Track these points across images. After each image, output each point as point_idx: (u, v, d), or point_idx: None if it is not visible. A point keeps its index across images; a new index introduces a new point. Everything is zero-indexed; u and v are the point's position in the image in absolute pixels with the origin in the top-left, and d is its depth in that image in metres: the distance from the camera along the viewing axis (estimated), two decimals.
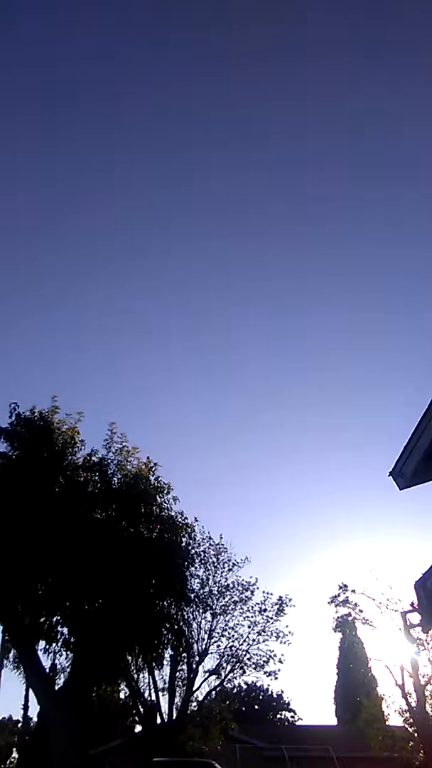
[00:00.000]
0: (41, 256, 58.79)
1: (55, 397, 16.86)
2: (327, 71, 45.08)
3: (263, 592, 23.54)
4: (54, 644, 15.30)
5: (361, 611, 23.20)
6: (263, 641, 23.15)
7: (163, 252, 59.63)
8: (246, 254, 59.11)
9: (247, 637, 23.16)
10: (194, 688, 23.02)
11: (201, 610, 22.71)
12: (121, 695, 25.79)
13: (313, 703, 73.97)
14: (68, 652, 15.85)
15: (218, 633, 23.04)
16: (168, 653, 20.74)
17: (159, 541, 15.82)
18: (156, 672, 22.99)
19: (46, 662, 15.99)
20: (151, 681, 23.37)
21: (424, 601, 8.75)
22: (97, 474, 16.18)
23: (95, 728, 25.90)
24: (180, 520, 16.92)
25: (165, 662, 21.03)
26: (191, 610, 21.72)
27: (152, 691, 23.48)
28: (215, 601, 23.05)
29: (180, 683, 23.38)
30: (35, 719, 33.82)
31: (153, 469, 16.65)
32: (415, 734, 20.50)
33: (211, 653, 23.05)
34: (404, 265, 59.78)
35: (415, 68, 46.60)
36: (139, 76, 46.54)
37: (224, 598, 23.17)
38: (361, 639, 34.60)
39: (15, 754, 44.37)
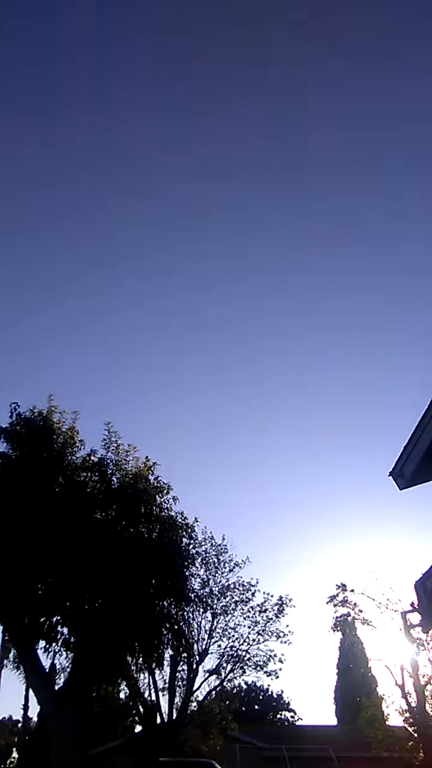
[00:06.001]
0: (40, 255, 58.84)
1: (52, 397, 16.90)
2: (326, 70, 45.11)
3: (263, 593, 23.55)
4: (54, 644, 15.29)
5: (360, 611, 23.15)
6: (263, 641, 23.14)
7: (164, 252, 59.68)
8: (245, 253, 59.15)
9: (248, 637, 23.14)
10: (194, 688, 22.98)
11: (201, 610, 22.68)
12: (121, 695, 25.77)
13: (313, 703, 74.06)
14: (68, 652, 15.82)
15: (218, 633, 23.03)
16: (168, 653, 20.73)
17: (159, 541, 15.82)
18: (156, 672, 22.91)
19: (46, 662, 16.01)
20: (151, 681, 23.32)
21: (424, 601, 8.77)
22: (97, 474, 16.19)
23: (95, 728, 25.90)
24: (180, 520, 16.92)
25: (165, 662, 21.00)
26: (191, 610, 21.67)
27: (152, 691, 23.43)
28: (216, 602, 23.04)
29: (180, 683, 23.33)
30: (35, 719, 33.89)
31: (152, 468, 16.67)
32: (415, 734, 20.48)
33: (212, 653, 23.03)
34: (405, 264, 59.80)
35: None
36: (138, 74, 46.57)
37: (225, 599, 23.16)
38: (360, 639, 34.59)
39: (15, 754, 44.40)
